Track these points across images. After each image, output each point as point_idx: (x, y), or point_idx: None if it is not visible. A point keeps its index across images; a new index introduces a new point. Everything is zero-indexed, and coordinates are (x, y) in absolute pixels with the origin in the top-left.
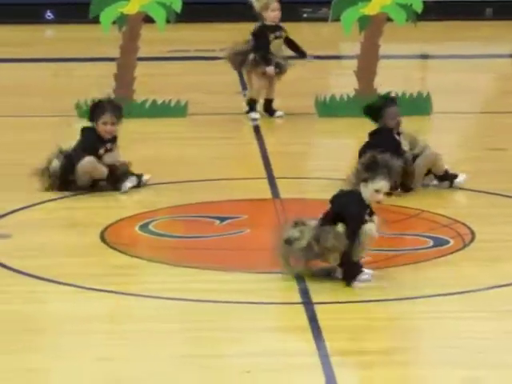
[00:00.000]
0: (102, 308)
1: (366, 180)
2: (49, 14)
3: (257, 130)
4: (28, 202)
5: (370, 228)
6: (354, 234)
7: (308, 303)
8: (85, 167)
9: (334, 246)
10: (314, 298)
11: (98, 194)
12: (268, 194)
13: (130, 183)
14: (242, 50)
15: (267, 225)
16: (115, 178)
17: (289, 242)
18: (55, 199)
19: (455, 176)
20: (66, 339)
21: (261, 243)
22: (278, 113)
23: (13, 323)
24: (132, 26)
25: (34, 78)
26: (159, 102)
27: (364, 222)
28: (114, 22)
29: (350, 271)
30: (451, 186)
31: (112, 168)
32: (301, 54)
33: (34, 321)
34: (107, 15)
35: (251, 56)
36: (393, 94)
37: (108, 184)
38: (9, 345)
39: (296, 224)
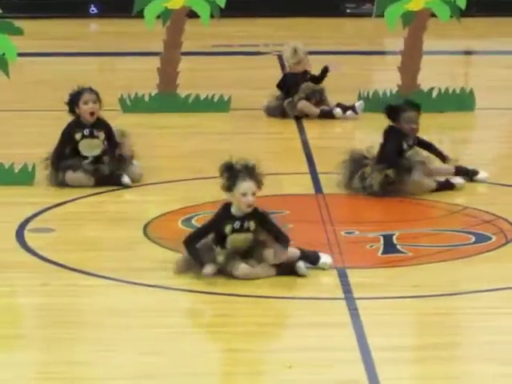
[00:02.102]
0: (144, 302)
1: (230, 189)
2: (93, 9)
3: (299, 124)
4: (71, 196)
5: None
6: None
7: (350, 298)
8: (69, 180)
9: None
10: (356, 293)
11: (140, 189)
12: (311, 189)
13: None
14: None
15: (310, 220)
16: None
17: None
18: (98, 193)
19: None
20: (109, 333)
21: (304, 238)
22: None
23: (56, 316)
24: (176, 20)
25: (78, 72)
26: (202, 96)
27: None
28: (158, 17)
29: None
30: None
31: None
32: (322, 73)
33: (76, 314)
34: (152, 10)
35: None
36: (415, 101)
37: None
38: (52, 337)
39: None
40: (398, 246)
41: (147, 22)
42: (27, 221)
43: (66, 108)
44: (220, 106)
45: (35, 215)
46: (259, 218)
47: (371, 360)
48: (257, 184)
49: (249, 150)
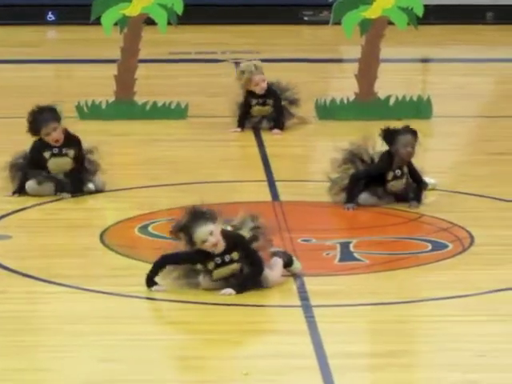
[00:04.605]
0: (101, 309)
1: (193, 245)
2: (50, 16)
3: (257, 132)
4: (27, 203)
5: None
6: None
7: (307, 306)
8: (30, 190)
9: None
10: (313, 301)
11: (97, 196)
12: (267, 197)
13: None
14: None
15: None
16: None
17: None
18: (56, 200)
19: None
20: (67, 340)
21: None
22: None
23: (12, 324)
24: (133, 27)
25: (35, 79)
26: (160, 103)
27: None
28: (115, 24)
29: None
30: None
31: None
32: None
33: (32, 321)
34: (109, 17)
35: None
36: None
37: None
38: (8, 345)
39: None
40: (355, 254)
41: (105, 28)
42: None
43: (24, 115)
44: (177, 113)
45: None
46: (239, 248)
47: (328, 368)
48: (210, 221)
49: (206, 158)
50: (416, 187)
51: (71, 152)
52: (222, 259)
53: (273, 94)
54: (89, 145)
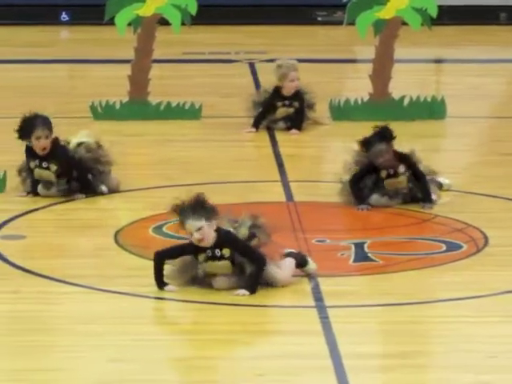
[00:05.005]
0: (114, 309)
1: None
2: (64, 16)
3: (271, 132)
4: (42, 203)
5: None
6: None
7: (321, 306)
8: (41, 192)
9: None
10: (328, 302)
11: (111, 196)
12: (282, 197)
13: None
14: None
15: (280, 228)
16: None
17: None
18: (68, 201)
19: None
20: (79, 340)
21: (274, 246)
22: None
23: (25, 324)
24: (147, 27)
25: (48, 80)
26: (174, 104)
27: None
28: (129, 24)
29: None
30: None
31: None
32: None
33: (46, 321)
34: (123, 17)
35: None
36: (387, 128)
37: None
38: (22, 344)
39: None
40: (370, 254)
41: (118, 29)
42: None
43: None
44: (191, 113)
45: (6, 222)
46: (228, 245)
47: (343, 368)
48: (205, 218)
49: (220, 158)
50: (421, 185)
51: (53, 167)
52: (212, 252)
53: (300, 97)
54: (96, 140)
